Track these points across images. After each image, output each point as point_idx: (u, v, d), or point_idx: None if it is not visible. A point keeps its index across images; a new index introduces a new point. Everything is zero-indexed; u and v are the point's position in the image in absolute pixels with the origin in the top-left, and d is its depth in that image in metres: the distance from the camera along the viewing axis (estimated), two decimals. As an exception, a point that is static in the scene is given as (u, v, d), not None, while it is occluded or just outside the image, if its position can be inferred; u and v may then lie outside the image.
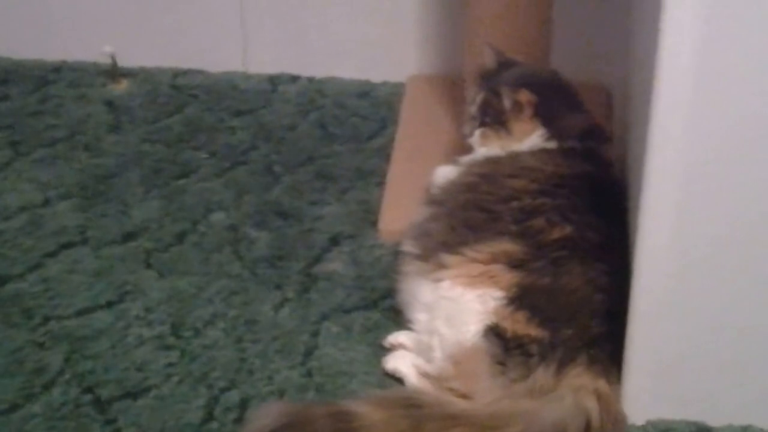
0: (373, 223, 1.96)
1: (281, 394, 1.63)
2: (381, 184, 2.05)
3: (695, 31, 1.30)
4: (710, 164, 1.39)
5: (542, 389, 1.52)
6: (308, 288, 1.83)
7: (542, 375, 1.53)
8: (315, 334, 1.74)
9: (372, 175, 2.09)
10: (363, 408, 1.47)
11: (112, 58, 2.34)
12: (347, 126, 2.24)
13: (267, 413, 1.48)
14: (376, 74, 2.34)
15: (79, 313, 1.77)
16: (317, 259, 1.89)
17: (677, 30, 1.31)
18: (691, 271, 1.46)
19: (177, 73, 2.38)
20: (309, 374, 1.67)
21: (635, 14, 1.83)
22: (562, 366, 1.53)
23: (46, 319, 1.76)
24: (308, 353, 1.70)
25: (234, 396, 1.63)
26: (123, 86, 2.35)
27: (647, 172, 1.41)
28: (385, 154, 2.13)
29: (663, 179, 1.41)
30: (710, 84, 1.34)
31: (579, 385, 1.52)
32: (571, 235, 1.63)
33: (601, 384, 1.53)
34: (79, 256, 1.89)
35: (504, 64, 1.84)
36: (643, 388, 1.55)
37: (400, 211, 1.91)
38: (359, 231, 1.95)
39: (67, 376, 1.65)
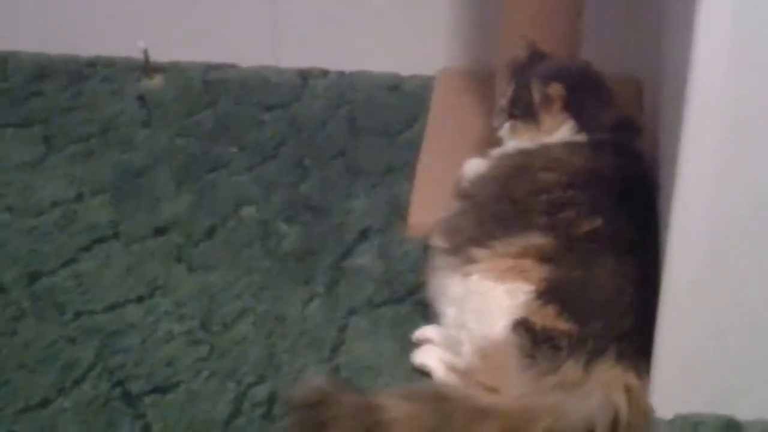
0: (403, 217, 1.94)
1: (309, 389, 1.62)
2: (411, 178, 2.02)
3: (730, 17, 1.27)
4: (744, 158, 1.36)
5: (571, 383, 1.50)
6: (337, 282, 1.81)
7: (571, 369, 1.50)
8: (343, 329, 1.72)
9: (402, 169, 2.06)
10: (391, 401, 1.46)
11: (145, 53, 2.34)
12: (377, 120, 2.21)
13: (305, 387, 1.50)
14: (406, 68, 2.32)
15: (111, 308, 1.77)
16: (346, 254, 1.87)
17: (712, 17, 1.28)
18: (722, 265, 1.43)
19: (209, 68, 2.36)
20: (337, 369, 1.65)
21: (668, 5, 1.79)
22: (591, 360, 1.50)
23: (78, 314, 1.75)
24: (336, 348, 1.69)
25: (262, 391, 1.61)
26: (156, 81, 2.34)
27: (680, 164, 1.38)
28: (414, 147, 2.10)
29: (696, 171, 1.38)
30: (745, 72, 1.31)
31: (608, 379, 1.49)
32: (602, 228, 1.60)
33: (630, 378, 1.50)
34: (111, 251, 1.89)
35: (535, 57, 1.82)
36: (672, 382, 1.52)
37: (430, 205, 1.89)
38: (388, 225, 1.93)
39: (97, 371, 1.65)
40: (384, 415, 1.44)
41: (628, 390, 1.49)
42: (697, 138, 1.36)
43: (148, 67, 2.34)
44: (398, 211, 1.96)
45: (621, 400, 1.47)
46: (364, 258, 1.86)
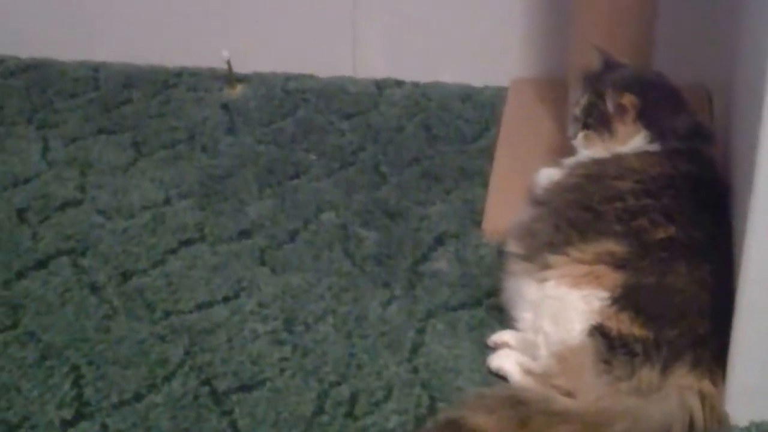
0: (478, 223, 1.91)
1: (389, 389, 1.59)
2: (485, 184, 1.99)
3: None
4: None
5: (647, 388, 1.46)
6: (415, 285, 1.78)
7: (647, 374, 1.47)
8: (421, 331, 1.69)
9: (476, 176, 2.03)
10: (472, 414, 1.43)
11: (229, 64, 2.33)
12: (451, 128, 2.19)
13: None
14: (479, 79, 2.29)
15: (198, 308, 1.75)
16: (423, 258, 1.85)
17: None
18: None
19: (289, 78, 2.35)
20: (415, 370, 1.62)
21: (744, 15, 1.74)
22: (666, 366, 1.47)
23: (168, 313, 1.74)
24: (415, 350, 1.66)
25: (344, 390, 1.59)
26: (238, 90, 2.33)
27: (758, 172, 1.33)
28: (488, 155, 2.07)
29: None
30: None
31: (683, 384, 1.46)
32: (675, 235, 1.57)
33: (706, 384, 1.46)
34: (198, 252, 1.88)
35: (609, 66, 1.78)
36: (747, 389, 1.48)
37: (504, 210, 1.86)
38: (464, 230, 1.90)
39: (186, 368, 1.64)
40: (467, 427, 1.41)
41: (702, 396, 1.45)
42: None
43: (231, 77, 2.34)
44: (473, 216, 1.93)
45: (696, 406, 1.44)
46: (441, 262, 1.84)
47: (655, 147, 1.70)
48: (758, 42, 1.38)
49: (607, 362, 1.48)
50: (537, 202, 1.74)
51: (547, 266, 1.60)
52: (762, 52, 1.30)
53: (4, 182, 2.05)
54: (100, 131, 2.21)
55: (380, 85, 2.32)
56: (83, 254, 1.87)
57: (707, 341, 1.49)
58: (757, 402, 1.49)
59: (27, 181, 2.06)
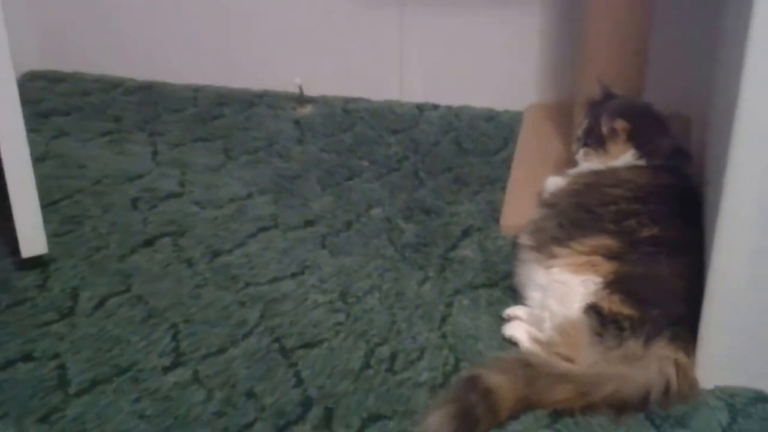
0: (497, 220, 1.90)
1: (422, 351, 1.58)
2: (504, 189, 1.98)
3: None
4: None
5: (632, 357, 1.43)
6: (445, 269, 1.77)
7: (632, 346, 1.44)
8: (449, 305, 1.68)
9: (497, 182, 2.02)
10: (489, 373, 1.41)
11: (300, 88, 2.34)
12: (477, 143, 2.18)
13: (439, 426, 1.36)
14: (501, 104, 2.28)
15: (271, 281, 1.75)
16: (452, 247, 1.83)
17: (758, 66, 1.22)
18: (759, 274, 1.36)
19: (348, 100, 2.35)
20: (444, 336, 1.61)
21: (718, 56, 1.72)
22: (649, 339, 1.44)
23: (247, 285, 1.74)
24: (444, 320, 1.65)
25: (386, 350, 1.58)
26: (307, 110, 2.33)
27: (726, 185, 1.31)
28: (507, 165, 2.06)
29: (738, 194, 1.32)
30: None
31: (662, 355, 1.43)
32: (659, 234, 1.54)
33: (680, 355, 1.44)
34: (272, 237, 1.87)
35: (607, 96, 1.77)
36: (713, 360, 1.45)
37: (518, 210, 1.85)
38: (486, 225, 1.89)
39: (261, 329, 1.63)
40: (485, 384, 1.40)
41: (677, 364, 1.42)
42: (741, 166, 1.30)
43: (302, 99, 2.34)
44: (494, 214, 1.92)
45: (672, 373, 1.42)
46: (467, 250, 1.82)
47: (642, 162, 1.68)
48: (728, 79, 1.36)
49: (599, 335, 1.46)
50: (546, 204, 1.72)
51: (553, 256, 1.58)
52: (731, 88, 1.29)
53: (121, 177, 2.06)
54: (198, 139, 2.22)
55: (421, 108, 2.31)
56: (182, 236, 1.87)
57: (683, 320, 1.46)
58: (721, 371, 1.46)
59: (139, 177, 2.06)
